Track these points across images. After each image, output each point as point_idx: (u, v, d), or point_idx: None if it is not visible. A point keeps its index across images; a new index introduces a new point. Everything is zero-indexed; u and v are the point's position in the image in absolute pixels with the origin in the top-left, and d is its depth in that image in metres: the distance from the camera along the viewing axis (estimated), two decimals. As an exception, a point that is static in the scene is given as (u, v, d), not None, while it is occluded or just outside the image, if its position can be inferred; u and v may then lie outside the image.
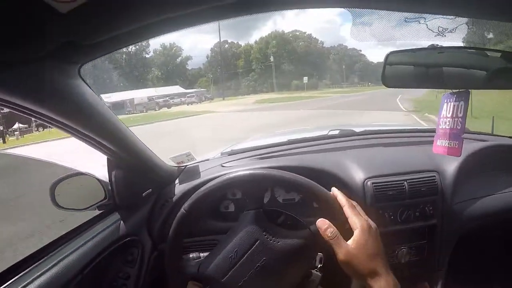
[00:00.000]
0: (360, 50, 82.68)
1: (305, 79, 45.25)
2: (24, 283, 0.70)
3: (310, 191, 0.83)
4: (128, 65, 55.82)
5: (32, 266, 0.76)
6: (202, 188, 0.88)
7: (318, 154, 1.23)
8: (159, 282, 1.07)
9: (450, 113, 0.77)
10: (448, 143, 0.77)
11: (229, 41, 69.18)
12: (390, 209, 1.04)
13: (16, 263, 0.76)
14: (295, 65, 64.31)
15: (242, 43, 69.05)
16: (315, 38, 74.17)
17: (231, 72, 62.78)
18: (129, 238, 1.01)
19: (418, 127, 1.57)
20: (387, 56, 0.77)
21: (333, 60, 73.28)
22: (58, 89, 0.63)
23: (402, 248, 1.06)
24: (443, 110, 0.79)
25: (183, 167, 1.21)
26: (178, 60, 64.00)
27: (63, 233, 0.92)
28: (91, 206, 1.02)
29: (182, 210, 0.88)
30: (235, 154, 1.33)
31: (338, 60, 73.27)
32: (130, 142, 0.94)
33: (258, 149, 1.35)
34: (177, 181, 1.16)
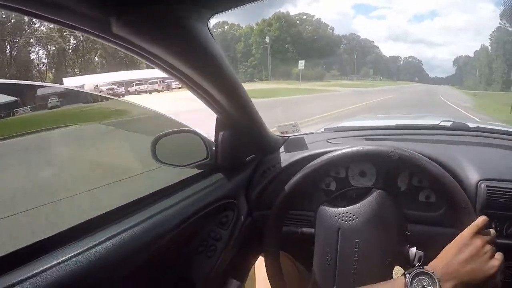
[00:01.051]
0: (373, 42, 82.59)
1: (301, 63, 37.45)
2: (122, 229, 0.76)
3: (449, 189, 0.86)
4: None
5: (133, 214, 0.83)
6: (322, 158, 0.95)
7: (429, 144, 1.20)
8: (248, 248, 1.13)
9: None
10: None
11: (229, 22, 64.86)
12: (498, 219, 0.97)
13: (118, 208, 0.84)
14: (300, 52, 60.18)
15: (244, 24, 64.33)
16: (324, 23, 71.25)
17: (228, 57, 58.63)
18: (226, 201, 1.05)
19: None
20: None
21: (343, 50, 70.18)
22: (186, 34, 0.66)
23: None
24: None
25: (286, 137, 1.25)
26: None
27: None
28: (192, 163, 1.06)
29: (297, 178, 0.95)
30: (340, 131, 1.36)
31: (349, 50, 70.97)
32: (244, 103, 0.98)
33: (364, 129, 1.38)
34: (281, 149, 1.21)
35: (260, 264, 1.08)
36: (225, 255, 1.04)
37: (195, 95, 0.90)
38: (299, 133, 1.26)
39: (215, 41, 0.74)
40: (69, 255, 0.66)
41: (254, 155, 1.18)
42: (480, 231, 0.75)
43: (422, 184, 1.01)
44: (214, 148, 1.07)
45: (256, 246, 1.05)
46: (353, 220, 0.92)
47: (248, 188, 1.15)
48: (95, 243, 0.71)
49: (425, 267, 0.70)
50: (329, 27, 72.88)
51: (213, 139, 1.08)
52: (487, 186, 0.96)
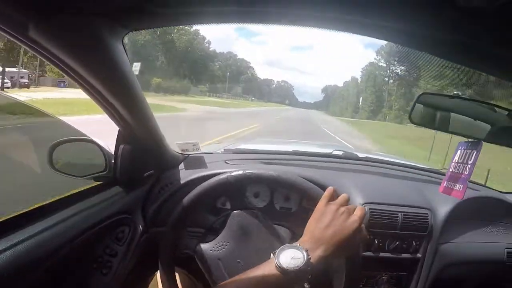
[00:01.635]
0: (249, 63, 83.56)
1: (135, 67, 30.45)
2: (8, 245, 0.70)
3: (305, 191, 1.03)
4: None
5: (17, 230, 0.76)
6: (216, 179, 1.03)
7: (321, 170, 1.34)
8: (144, 264, 1.15)
9: (462, 159, 0.94)
10: (454, 186, 0.95)
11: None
12: (381, 237, 1.18)
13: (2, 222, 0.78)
14: (170, 61, 57.30)
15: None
16: (202, 36, 69.59)
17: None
18: (122, 216, 1.07)
19: (417, 164, 1.72)
20: (420, 95, 0.95)
21: (218, 66, 69.68)
22: (99, 47, 0.69)
23: (384, 276, 1.21)
24: (456, 156, 0.95)
25: (186, 155, 1.33)
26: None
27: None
28: (88, 175, 1.06)
29: (190, 197, 1.02)
30: (239, 153, 1.45)
31: (224, 67, 70.13)
32: (147, 118, 1.02)
33: (262, 153, 1.49)
34: (181, 167, 1.26)
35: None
36: (121, 272, 1.03)
37: (100, 106, 0.90)
38: (198, 152, 1.32)
39: (127, 57, 0.77)
40: None
41: (152, 171, 1.19)
42: (332, 200, 0.84)
43: (311, 206, 1.10)
44: (113, 161, 1.07)
45: (153, 262, 1.06)
46: (226, 245, 1.04)
47: (145, 204, 1.18)
48: None
49: (294, 243, 0.77)
50: (205, 41, 72.57)
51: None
52: (370, 208, 1.14)
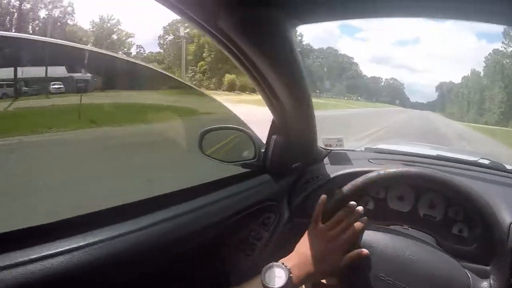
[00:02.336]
0: (353, 58, 72.93)
1: None
2: (167, 216, 0.81)
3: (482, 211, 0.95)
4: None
5: (180, 203, 0.87)
6: (371, 175, 0.99)
7: (467, 179, 1.25)
8: (286, 251, 1.16)
9: None
10: None
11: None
12: None
13: (164, 195, 0.88)
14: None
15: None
16: (300, 33, 60.59)
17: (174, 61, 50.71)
18: (270, 203, 1.14)
19: None
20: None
21: (318, 64, 59.59)
22: (275, 37, 0.74)
23: None
24: None
25: (329, 150, 1.38)
26: (115, 37, 50.12)
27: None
28: (238, 161, 1.14)
29: (344, 191, 1.00)
30: (381, 153, 1.50)
31: (323, 64, 59.81)
32: (308, 112, 1.05)
33: (404, 155, 1.50)
34: (325, 161, 1.34)
35: None
36: (264, 255, 1.08)
37: (262, 96, 0.96)
38: (341, 148, 1.34)
39: (295, 47, 0.81)
40: (118, 233, 0.70)
41: (299, 163, 1.27)
42: (320, 220, 0.91)
43: (457, 217, 1.08)
44: (263, 150, 1.12)
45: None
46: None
47: (291, 194, 1.23)
48: (138, 227, 0.75)
49: (280, 260, 0.85)
50: (298, 33, 63.25)
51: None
52: None
